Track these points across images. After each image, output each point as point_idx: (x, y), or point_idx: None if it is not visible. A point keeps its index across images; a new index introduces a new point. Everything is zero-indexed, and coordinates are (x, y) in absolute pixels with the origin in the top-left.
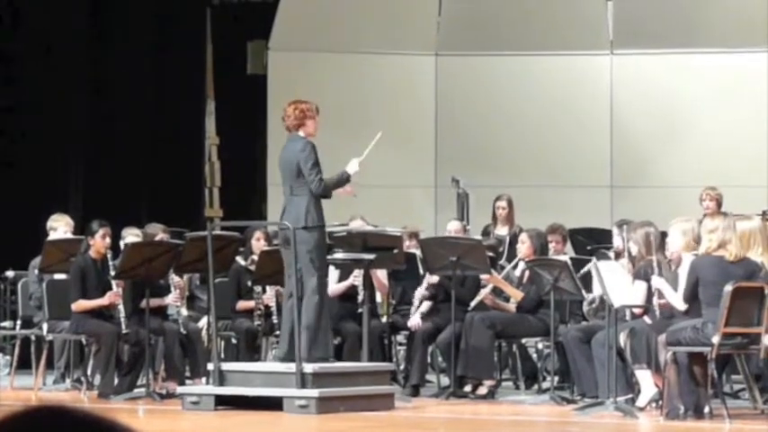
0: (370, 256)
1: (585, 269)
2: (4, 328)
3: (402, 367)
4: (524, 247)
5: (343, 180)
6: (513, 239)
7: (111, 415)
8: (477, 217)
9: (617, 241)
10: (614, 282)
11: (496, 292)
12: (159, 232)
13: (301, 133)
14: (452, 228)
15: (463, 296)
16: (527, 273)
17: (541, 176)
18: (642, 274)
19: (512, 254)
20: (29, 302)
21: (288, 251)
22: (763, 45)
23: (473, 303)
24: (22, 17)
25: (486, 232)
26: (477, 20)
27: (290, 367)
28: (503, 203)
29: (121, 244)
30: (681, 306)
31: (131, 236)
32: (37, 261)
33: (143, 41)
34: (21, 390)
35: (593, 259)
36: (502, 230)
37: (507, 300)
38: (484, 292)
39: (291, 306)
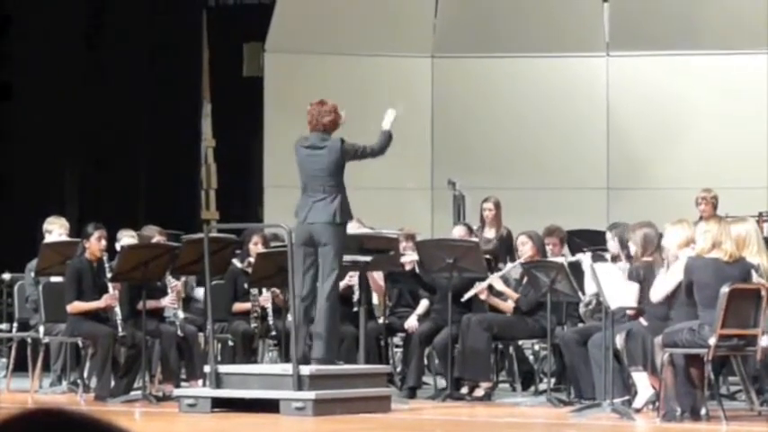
0: (367, 258)
1: (575, 258)
2: (0, 330)
3: (399, 369)
4: (527, 248)
5: (388, 137)
6: (500, 241)
7: (108, 417)
8: (473, 219)
9: (611, 245)
10: (611, 283)
11: (494, 291)
12: (155, 234)
13: (332, 135)
14: (458, 233)
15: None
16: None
17: (538, 178)
18: (634, 275)
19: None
20: (25, 305)
21: (309, 252)
22: (761, 46)
23: (467, 295)
24: (19, 20)
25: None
26: (472, 22)
27: (287, 369)
28: (489, 205)
29: (117, 246)
30: (653, 298)
31: (127, 238)
32: (33, 264)
33: (140, 44)
34: (17, 392)
35: (587, 254)
36: (489, 233)
37: (506, 299)
38: (480, 286)
39: (305, 308)
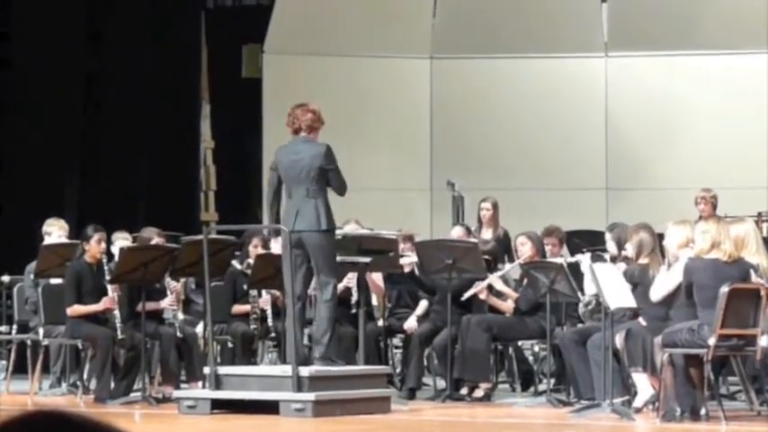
0: (366, 260)
1: (574, 259)
2: (0, 332)
3: (398, 370)
4: (526, 248)
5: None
6: (498, 242)
7: (108, 419)
8: (472, 220)
9: (610, 246)
10: (610, 284)
11: (494, 291)
12: (154, 236)
13: (314, 137)
14: (456, 234)
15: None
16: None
17: (537, 179)
18: (629, 277)
19: None
20: (24, 307)
21: (297, 254)
22: (760, 46)
23: (467, 294)
24: (17, 22)
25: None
26: (471, 22)
27: (286, 370)
28: (487, 205)
29: (112, 249)
30: (653, 298)
31: (121, 240)
32: (32, 266)
33: (138, 45)
34: (17, 394)
35: (586, 255)
36: (486, 233)
37: (506, 299)
38: (479, 286)
39: (299, 308)
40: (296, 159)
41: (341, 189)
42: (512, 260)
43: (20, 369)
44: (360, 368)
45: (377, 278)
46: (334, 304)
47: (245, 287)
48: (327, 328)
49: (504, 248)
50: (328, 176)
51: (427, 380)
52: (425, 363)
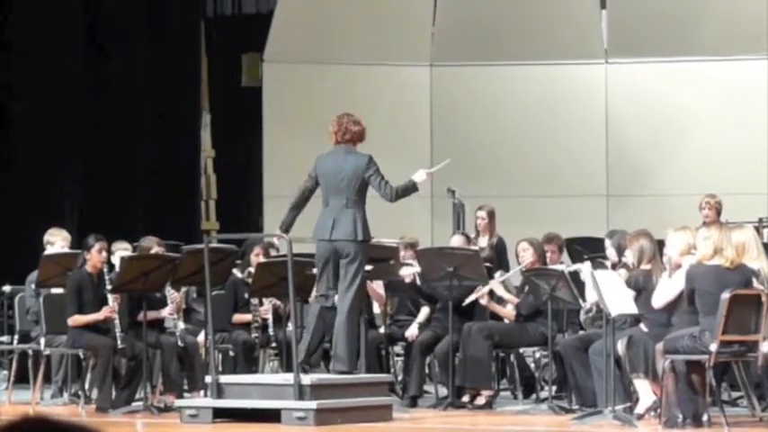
0: (367, 268)
1: (574, 268)
2: (1, 342)
3: (400, 378)
4: (527, 254)
5: (411, 189)
6: (492, 249)
7: (100, 427)
8: (473, 227)
9: (610, 252)
10: (611, 290)
11: (495, 297)
12: (154, 246)
13: (357, 148)
14: (456, 242)
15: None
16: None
17: (537, 186)
18: (632, 283)
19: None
20: (26, 317)
21: (329, 263)
22: (760, 52)
23: (468, 300)
24: (17, 31)
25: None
26: (471, 30)
27: (288, 379)
28: (483, 213)
29: (112, 259)
30: (656, 305)
31: (121, 250)
32: (34, 275)
33: (138, 54)
34: (18, 404)
35: (586, 263)
36: (482, 241)
37: (506, 305)
38: (481, 291)
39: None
40: (338, 169)
41: (390, 195)
42: (508, 267)
43: (21, 379)
44: (361, 376)
45: (378, 286)
46: (354, 316)
47: (246, 296)
48: (348, 344)
49: (497, 255)
50: (373, 185)
51: (429, 387)
52: (427, 370)
